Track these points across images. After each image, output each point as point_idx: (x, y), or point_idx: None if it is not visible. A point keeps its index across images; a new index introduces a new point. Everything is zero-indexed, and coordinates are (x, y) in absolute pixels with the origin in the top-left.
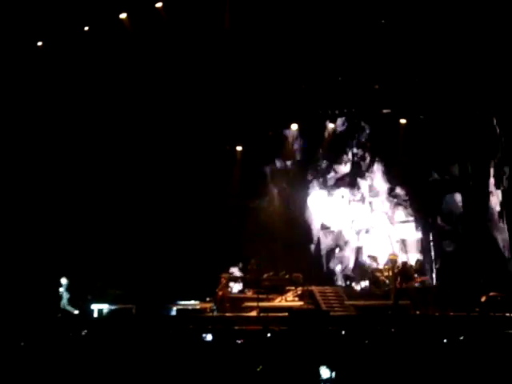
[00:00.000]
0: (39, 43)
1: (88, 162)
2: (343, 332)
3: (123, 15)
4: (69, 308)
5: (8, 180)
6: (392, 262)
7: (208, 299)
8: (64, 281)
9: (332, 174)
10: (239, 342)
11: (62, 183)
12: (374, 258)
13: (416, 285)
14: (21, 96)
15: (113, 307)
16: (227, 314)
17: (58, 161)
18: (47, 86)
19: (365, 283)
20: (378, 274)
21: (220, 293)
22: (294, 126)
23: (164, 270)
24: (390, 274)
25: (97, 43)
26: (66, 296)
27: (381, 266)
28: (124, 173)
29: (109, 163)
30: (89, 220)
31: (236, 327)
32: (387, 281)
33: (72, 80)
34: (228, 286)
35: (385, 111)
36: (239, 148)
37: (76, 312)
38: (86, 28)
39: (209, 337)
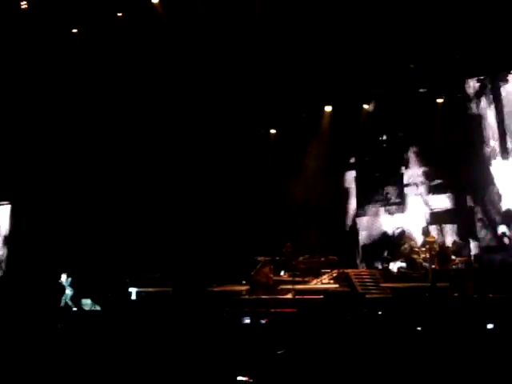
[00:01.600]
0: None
1: (127, 149)
2: (379, 314)
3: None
4: (69, 303)
5: (34, 173)
6: (429, 243)
7: (244, 282)
8: (64, 277)
9: None
10: (264, 322)
11: (98, 170)
12: (410, 240)
13: (454, 266)
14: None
15: (150, 290)
16: (262, 297)
17: (86, 151)
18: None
19: (401, 265)
20: (415, 256)
21: (264, 279)
22: (328, 108)
23: (200, 254)
24: (428, 255)
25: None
26: (69, 292)
27: (417, 248)
28: (163, 157)
29: (147, 148)
30: (128, 204)
31: (272, 310)
32: (424, 263)
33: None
34: (272, 271)
35: (421, 90)
36: (273, 131)
37: (74, 309)
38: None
39: (246, 320)
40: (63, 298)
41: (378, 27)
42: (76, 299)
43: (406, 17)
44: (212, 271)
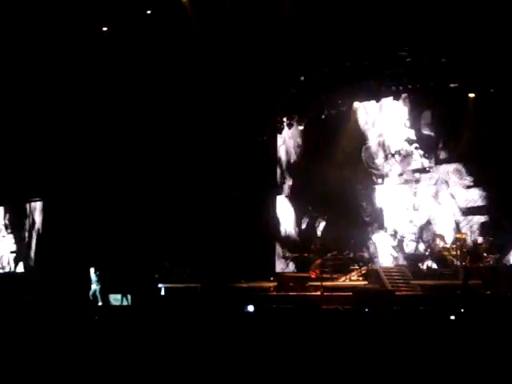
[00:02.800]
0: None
1: (157, 145)
2: (410, 311)
3: None
4: (98, 297)
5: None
6: (460, 240)
7: (272, 278)
8: (92, 271)
9: None
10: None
11: (125, 169)
12: (441, 237)
13: (486, 264)
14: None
15: (179, 286)
16: (291, 293)
17: (119, 146)
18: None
19: (431, 263)
20: (446, 253)
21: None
22: (357, 104)
23: (229, 250)
24: (459, 253)
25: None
26: (96, 287)
27: (448, 245)
28: (191, 154)
29: (176, 144)
30: (159, 201)
31: None
32: (455, 260)
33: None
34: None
35: (452, 85)
36: (301, 127)
37: (100, 304)
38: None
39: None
40: (91, 292)
41: (408, 20)
42: (104, 294)
43: (437, 10)
44: (240, 267)
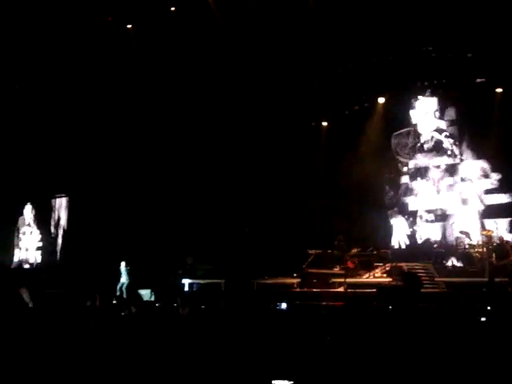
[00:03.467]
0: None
1: (183, 142)
2: (433, 309)
3: None
4: (124, 292)
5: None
6: (486, 237)
7: (295, 275)
8: (123, 265)
9: None
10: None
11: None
12: (466, 234)
13: None
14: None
15: (202, 282)
16: (314, 290)
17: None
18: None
19: (456, 260)
20: (471, 251)
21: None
22: (381, 100)
23: (252, 246)
24: (484, 250)
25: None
26: (125, 281)
27: (473, 242)
28: (216, 151)
29: (201, 141)
30: (182, 197)
31: (323, 303)
32: (480, 257)
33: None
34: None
35: (479, 80)
36: (325, 123)
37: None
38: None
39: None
40: (118, 285)
41: (431, 16)
42: (132, 289)
43: (462, 5)
44: (264, 263)
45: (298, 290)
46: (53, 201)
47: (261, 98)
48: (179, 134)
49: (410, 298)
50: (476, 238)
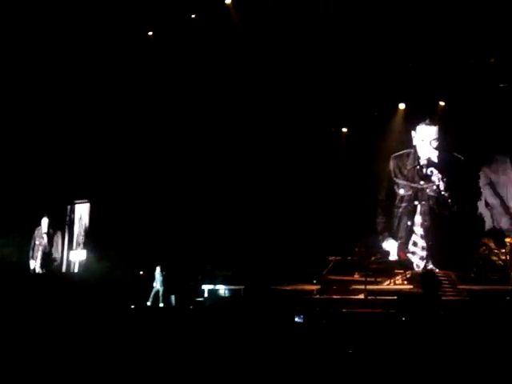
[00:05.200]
0: (150, 33)
1: (204, 147)
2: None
3: (228, 0)
4: (160, 299)
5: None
6: (510, 244)
7: (315, 281)
8: (158, 270)
9: None
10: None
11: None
12: (489, 241)
13: None
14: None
15: (221, 288)
16: (334, 297)
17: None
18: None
19: (479, 267)
20: (495, 258)
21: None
22: (402, 106)
23: (272, 252)
24: (508, 257)
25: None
26: (160, 287)
27: (497, 250)
28: (234, 157)
29: (222, 146)
30: (203, 205)
31: (344, 310)
32: (504, 265)
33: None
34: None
35: (502, 85)
36: (344, 129)
37: (161, 305)
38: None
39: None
40: (153, 292)
41: (452, 20)
42: (166, 296)
43: (484, 10)
44: (283, 270)
45: (317, 296)
46: (74, 206)
47: (281, 104)
48: (200, 141)
49: (430, 303)
50: (499, 245)
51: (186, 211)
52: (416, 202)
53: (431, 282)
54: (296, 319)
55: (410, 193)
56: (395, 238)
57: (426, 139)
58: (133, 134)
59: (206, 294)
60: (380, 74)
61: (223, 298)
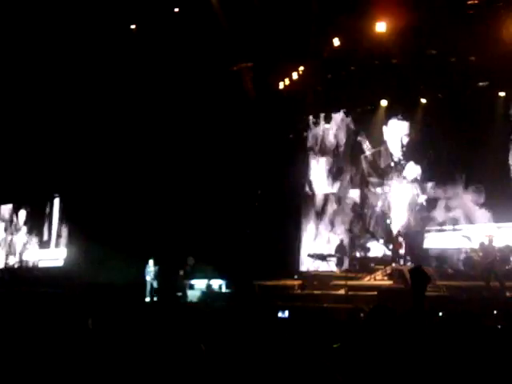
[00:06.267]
0: (133, 26)
1: (195, 143)
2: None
3: None
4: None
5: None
6: (488, 241)
7: (296, 277)
8: (151, 263)
9: None
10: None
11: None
12: (468, 238)
13: None
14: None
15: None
16: (315, 292)
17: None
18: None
19: (458, 264)
20: (473, 255)
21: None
22: (384, 103)
23: (254, 247)
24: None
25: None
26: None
27: (475, 246)
28: (215, 151)
29: (216, 143)
30: (184, 199)
31: (325, 305)
32: (481, 261)
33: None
34: None
35: (481, 84)
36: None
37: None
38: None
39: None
40: (147, 289)
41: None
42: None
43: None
44: (265, 265)
45: (299, 292)
46: (51, 201)
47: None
48: (182, 135)
49: (415, 298)
50: (477, 242)
51: (168, 206)
52: (391, 199)
53: (421, 279)
54: (280, 314)
55: (385, 190)
56: (376, 237)
57: (397, 134)
58: (109, 127)
59: (187, 289)
60: (362, 71)
61: (206, 294)
